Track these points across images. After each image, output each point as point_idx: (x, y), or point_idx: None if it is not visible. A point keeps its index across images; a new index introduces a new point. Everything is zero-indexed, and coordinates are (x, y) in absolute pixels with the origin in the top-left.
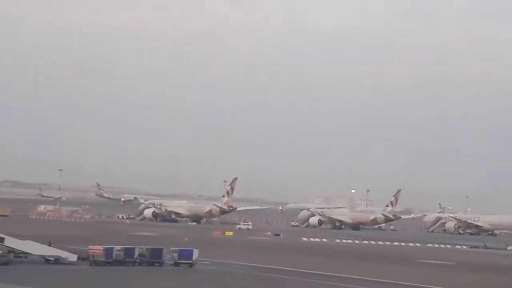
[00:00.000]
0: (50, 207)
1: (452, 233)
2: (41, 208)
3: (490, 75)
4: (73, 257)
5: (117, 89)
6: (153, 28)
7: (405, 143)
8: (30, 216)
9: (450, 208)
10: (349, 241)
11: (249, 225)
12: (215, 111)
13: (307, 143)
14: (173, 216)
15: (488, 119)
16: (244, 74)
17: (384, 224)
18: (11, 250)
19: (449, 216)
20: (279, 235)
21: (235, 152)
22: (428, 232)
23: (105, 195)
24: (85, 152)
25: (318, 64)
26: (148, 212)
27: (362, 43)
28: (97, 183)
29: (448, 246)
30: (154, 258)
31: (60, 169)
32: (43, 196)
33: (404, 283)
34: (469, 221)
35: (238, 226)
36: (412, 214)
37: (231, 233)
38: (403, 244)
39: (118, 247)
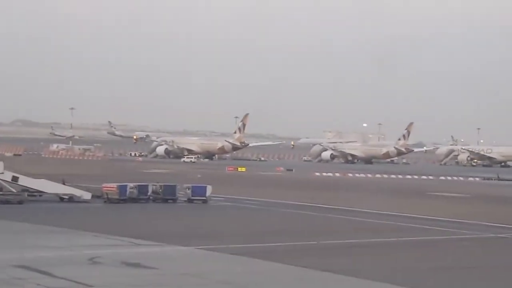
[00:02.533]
0: (62, 146)
1: (464, 166)
2: (54, 147)
3: None
4: (87, 195)
5: (131, 23)
6: None
7: (417, 76)
8: (43, 155)
9: (462, 140)
10: (362, 175)
11: (191, 158)
12: (225, 41)
13: (318, 77)
14: (186, 153)
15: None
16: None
17: (396, 158)
18: (25, 189)
19: (462, 148)
20: (292, 170)
21: (246, 88)
22: (441, 164)
23: (117, 133)
24: (96, 90)
25: None
26: (160, 150)
27: None
28: (108, 121)
29: (461, 178)
30: (167, 195)
31: (72, 108)
32: (55, 135)
33: (416, 215)
34: (481, 153)
35: (182, 159)
36: (425, 147)
37: (244, 169)
38: (415, 177)
39: (131, 185)
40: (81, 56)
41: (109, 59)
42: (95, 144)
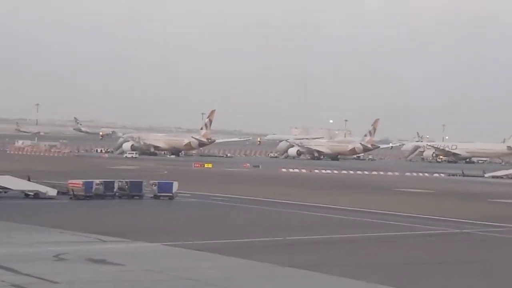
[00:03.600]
0: (28, 142)
1: (430, 162)
2: (19, 143)
3: None
4: (52, 192)
5: (98, 16)
6: None
7: (383, 73)
8: (8, 152)
9: (428, 136)
10: (328, 171)
11: (133, 153)
12: (189, 35)
13: (284, 74)
14: (152, 149)
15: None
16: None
17: (362, 154)
18: None
19: (427, 144)
20: (258, 166)
21: (212, 84)
22: (407, 161)
23: (83, 129)
24: (62, 87)
25: None
26: (126, 146)
27: None
28: (74, 118)
29: (426, 174)
30: (133, 191)
31: (37, 104)
32: (21, 131)
33: (382, 211)
34: (447, 149)
35: (124, 155)
36: (391, 144)
37: (210, 166)
38: (381, 173)
39: (97, 181)
40: (47, 51)
41: (75, 55)
42: (61, 141)
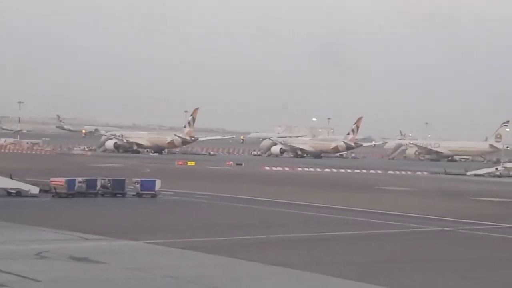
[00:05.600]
0: (10, 140)
1: (412, 160)
2: (1, 141)
3: None
4: (35, 190)
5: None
6: None
7: (366, 71)
8: None
9: (410, 135)
10: (311, 169)
11: (83, 148)
12: (172, 33)
13: (268, 72)
14: (135, 147)
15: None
16: None
17: (345, 152)
18: None
19: (410, 143)
20: (241, 164)
21: (195, 82)
22: (389, 159)
23: (66, 127)
24: (44, 84)
25: None
26: (109, 144)
27: None
28: (57, 115)
29: (409, 172)
30: (116, 189)
31: (20, 102)
32: (3, 129)
33: (365, 209)
34: (429, 147)
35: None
36: (373, 142)
37: (193, 163)
38: (364, 171)
39: (80, 179)
40: (29, 49)
41: (58, 53)
42: (43, 138)
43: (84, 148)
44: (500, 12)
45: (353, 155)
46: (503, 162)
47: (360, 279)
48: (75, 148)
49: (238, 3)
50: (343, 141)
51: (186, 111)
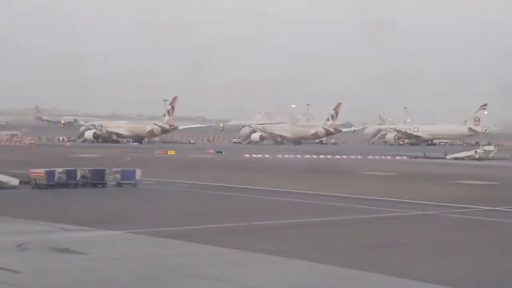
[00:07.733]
0: None
1: (392, 144)
2: None
3: None
4: (14, 181)
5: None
6: None
7: (343, 56)
8: None
9: (390, 119)
10: (291, 156)
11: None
12: (150, 21)
13: (243, 59)
14: (114, 137)
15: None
16: None
17: (325, 138)
18: None
19: (389, 127)
20: (222, 152)
21: (173, 70)
22: (369, 144)
23: (44, 117)
24: (22, 74)
25: None
26: (89, 134)
27: None
28: (35, 106)
29: (389, 157)
30: (96, 179)
31: None
32: None
33: (345, 195)
34: (408, 131)
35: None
36: (353, 127)
37: (173, 152)
38: (344, 157)
39: (60, 170)
40: (6, 39)
41: (35, 42)
42: (22, 130)
43: (64, 139)
44: None
45: (333, 141)
46: (482, 145)
47: (345, 264)
48: (60, 139)
49: None
50: (323, 127)
51: (165, 100)
